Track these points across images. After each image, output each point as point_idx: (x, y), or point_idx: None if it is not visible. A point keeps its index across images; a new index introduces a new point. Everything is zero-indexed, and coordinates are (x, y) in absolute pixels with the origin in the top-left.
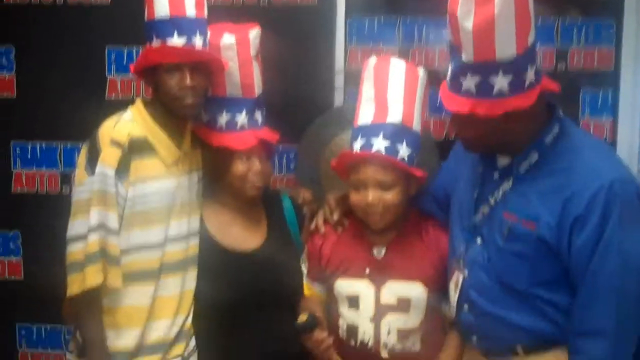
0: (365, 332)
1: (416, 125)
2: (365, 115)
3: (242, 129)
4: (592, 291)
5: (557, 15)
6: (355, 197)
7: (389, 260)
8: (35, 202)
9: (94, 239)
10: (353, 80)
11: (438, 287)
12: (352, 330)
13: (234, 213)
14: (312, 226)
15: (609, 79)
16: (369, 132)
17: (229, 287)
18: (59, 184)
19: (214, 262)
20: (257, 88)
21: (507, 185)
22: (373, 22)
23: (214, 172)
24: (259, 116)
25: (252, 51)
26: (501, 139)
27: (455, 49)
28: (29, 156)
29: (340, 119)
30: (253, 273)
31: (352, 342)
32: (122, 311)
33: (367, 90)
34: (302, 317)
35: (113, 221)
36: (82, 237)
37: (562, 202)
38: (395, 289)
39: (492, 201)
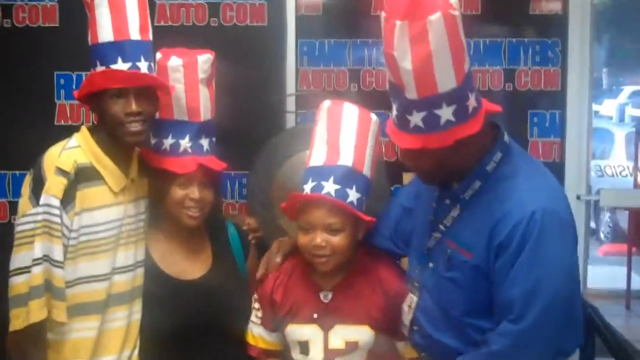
0: None
1: (366, 170)
2: (317, 157)
3: (185, 153)
4: (499, 314)
5: (503, 37)
6: (303, 239)
7: (336, 305)
8: None
9: (38, 271)
10: (304, 103)
11: (385, 328)
12: None
13: (178, 241)
14: (257, 275)
15: (556, 100)
16: (319, 174)
17: (174, 316)
18: (7, 213)
19: (159, 291)
20: (204, 113)
21: (455, 211)
22: (324, 44)
23: (156, 198)
24: (205, 142)
25: (201, 74)
26: (453, 166)
27: (396, 88)
28: None
29: (292, 141)
30: (198, 302)
31: None
32: (68, 345)
33: (320, 132)
34: None
35: (58, 253)
36: (26, 270)
37: (490, 229)
38: (343, 333)
39: (442, 227)
